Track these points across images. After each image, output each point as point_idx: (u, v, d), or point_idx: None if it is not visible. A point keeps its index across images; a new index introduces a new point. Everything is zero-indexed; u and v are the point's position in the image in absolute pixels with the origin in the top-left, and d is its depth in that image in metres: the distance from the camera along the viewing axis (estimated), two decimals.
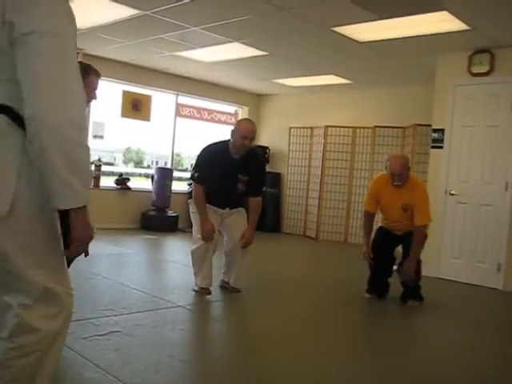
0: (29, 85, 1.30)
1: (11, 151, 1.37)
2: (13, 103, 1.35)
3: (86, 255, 1.52)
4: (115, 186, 8.13)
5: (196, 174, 4.10)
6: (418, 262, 4.40)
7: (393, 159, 4.31)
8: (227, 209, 4.24)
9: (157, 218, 8.04)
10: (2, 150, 1.36)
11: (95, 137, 7.84)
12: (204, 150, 4.22)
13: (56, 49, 1.32)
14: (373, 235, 4.59)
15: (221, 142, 4.25)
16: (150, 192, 8.24)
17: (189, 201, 4.35)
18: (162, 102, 8.73)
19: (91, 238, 1.49)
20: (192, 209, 4.24)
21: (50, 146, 1.31)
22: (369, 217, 4.55)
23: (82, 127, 1.38)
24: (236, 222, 4.27)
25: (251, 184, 4.19)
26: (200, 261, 4.14)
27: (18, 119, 1.36)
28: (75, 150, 1.35)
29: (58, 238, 1.52)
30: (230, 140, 4.13)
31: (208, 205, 4.12)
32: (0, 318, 1.44)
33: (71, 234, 1.43)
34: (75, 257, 1.53)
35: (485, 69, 5.59)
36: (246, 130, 4.04)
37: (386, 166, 4.32)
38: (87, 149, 1.40)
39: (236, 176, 4.11)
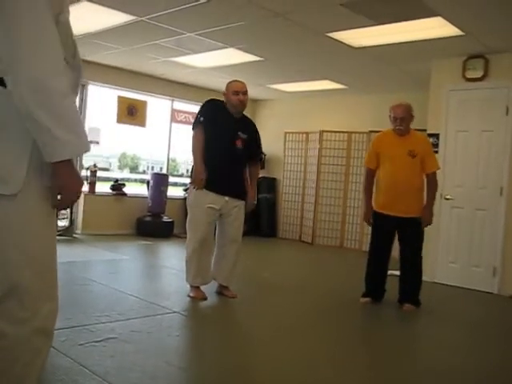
0: (3, 39, 1.25)
1: (25, 132, 1.33)
2: None
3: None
4: (111, 191, 8.11)
5: (201, 118, 4.09)
6: (419, 269, 4.39)
7: (396, 105, 4.38)
8: (226, 198, 4.11)
9: (152, 224, 8.02)
10: (16, 132, 1.33)
11: (91, 142, 7.80)
12: (208, 101, 4.25)
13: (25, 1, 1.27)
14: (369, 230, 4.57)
15: (222, 100, 4.27)
16: (146, 198, 8.22)
17: (189, 185, 4.28)
18: (158, 107, 8.74)
19: (80, 192, 1.43)
20: (190, 197, 4.18)
21: (31, 98, 1.25)
22: (370, 175, 4.48)
23: (61, 74, 1.31)
24: (235, 221, 4.22)
25: (249, 147, 4.20)
26: (190, 256, 4.13)
27: None
28: (57, 99, 1.28)
29: (54, 233, 1.47)
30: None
31: (206, 191, 4.06)
32: None
33: (59, 186, 1.37)
34: (60, 209, 1.46)
35: (479, 74, 5.62)
36: (235, 87, 4.12)
37: (389, 113, 4.37)
38: (69, 95, 1.33)
39: (236, 132, 4.13)
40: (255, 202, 4.41)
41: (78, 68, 1.52)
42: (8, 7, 1.25)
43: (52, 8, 1.32)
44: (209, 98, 4.30)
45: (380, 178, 4.44)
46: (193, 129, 4.19)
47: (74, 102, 1.36)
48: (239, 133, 4.14)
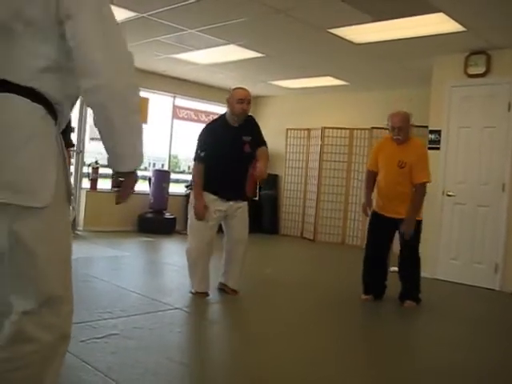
0: (86, 56, 1.32)
1: (50, 144, 1.37)
2: (48, 91, 1.36)
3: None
4: (112, 188, 8.10)
5: (202, 154, 4.08)
6: (417, 264, 4.42)
7: (394, 114, 4.35)
8: (231, 202, 4.13)
9: (154, 221, 8.03)
10: (42, 144, 1.35)
11: (92, 139, 7.84)
12: (204, 129, 4.25)
13: (101, 18, 1.36)
14: (366, 228, 4.58)
15: (217, 117, 4.31)
16: (147, 194, 8.23)
17: (191, 192, 4.27)
18: (159, 104, 8.74)
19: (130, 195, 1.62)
20: (192, 201, 4.17)
21: (119, 110, 1.35)
22: (371, 177, 4.53)
23: (139, 90, 1.45)
24: (240, 222, 4.21)
25: (255, 142, 4.21)
26: (193, 263, 4.12)
27: (51, 109, 1.37)
28: (137, 113, 1.41)
29: (71, 235, 1.52)
30: (225, 113, 4.19)
31: (210, 195, 4.07)
32: None
33: (124, 188, 1.55)
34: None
35: (481, 70, 5.61)
36: (240, 94, 4.10)
37: (387, 123, 4.35)
38: (140, 111, 1.45)
39: (241, 139, 4.13)
40: (265, 173, 4.14)
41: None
42: (83, 28, 1.34)
43: None
44: (205, 125, 4.31)
45: (378, 182, 4.49)
46: (194, 159, 4.18)
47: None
48: (244, 138, 4.14)
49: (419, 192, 4.29)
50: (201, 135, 4.21)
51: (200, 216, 4.04)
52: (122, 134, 1.39)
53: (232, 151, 4.09)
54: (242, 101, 4.07)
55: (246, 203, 4.26)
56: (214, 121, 4.33)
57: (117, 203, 1.61)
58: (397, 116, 4.30)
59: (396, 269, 4.62)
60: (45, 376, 1.41)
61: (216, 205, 4.09)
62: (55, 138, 1.40)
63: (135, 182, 1.57)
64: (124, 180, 1.53)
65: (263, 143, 4.29)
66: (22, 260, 1.35)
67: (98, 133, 1.41)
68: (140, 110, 1.45)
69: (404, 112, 4.37)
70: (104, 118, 1.37)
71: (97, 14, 1.35)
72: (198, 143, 4.18)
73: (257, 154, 4.22)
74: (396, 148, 4.33)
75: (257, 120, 4.49)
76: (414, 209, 4.27)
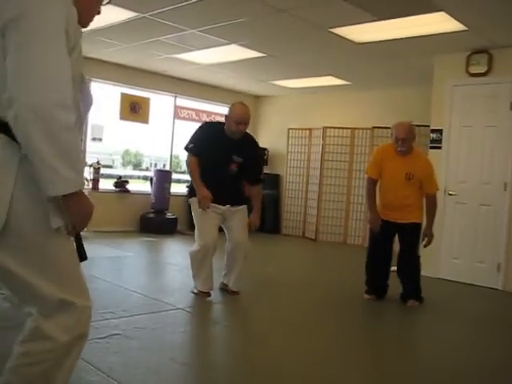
0: (12, 69, 1.27)
1: (4, 168, 1.33)
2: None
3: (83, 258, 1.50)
4: (114, 188, 8.12)
5: (190, 146, 4.12)
6: (418, 264, 4.43)
7: (398, 125, 4.32)
8: (227, 206, 4.14)
9: (156, 221, 8.03)
10: None
11: (94, 139, 7.85)
12: (202, 125, 4.30)
13: (38, 31, 1.28)
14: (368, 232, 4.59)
15: (218, 122, 4.31)
16: (149, 194, 8.23)
17: (189, 200, 4.26)
18: (161, 104, 8.74)
19: (86, 224, 1.43)
20: (194, 208, 4.16)
21: (35, 128, 1.24)
22: (372, 184, 4.48)
23: (69, 108, 1.29)
24: (238, 223, 4.21)
25: (247, 169, 4.19)
26: (199, 264, 4.12)
27: (10, 132, 1.31)
28: (62, 133, 1.27)
29: (70, 248, 1.50)
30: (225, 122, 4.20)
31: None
32: (22, 324, 1.45)
33: (69, 215, 1.38)
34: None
35: (482, 69, 5.60)
36: (238, 116, 4.06)
37: (392, 132, 4.33)
38: (75, 131, 1.32)
39: (230, 156, 4.11)
40: (258, 224, 4.30)
41: (85, 103, 1.52)
42: (23, 41, 1.27)
43: (66, 43, 1.34)
44: (205, 122, 4.35)
45: (379, 189, 4.48)
46: (185, 149, 4.22)
47: (78, 138, 1.36)
48: (234, 157, 4.11)
49: (433, 202, 4.42)
50: (196, 130, 4.24)
51: (205, 204, 3.99)
52: (44, 155, 1.25)
53: (218, 163, 4.09)
54: (238, 122, 4.05)
55: (244, 206, 4.27)
56: (214, 123, 4.32)
57: (67, 233, 1.43)
58: (401, 127, 4.27)
59: (395, 268, 4.63)
60: (56, 375, 1.46)
61: (212, 205, 4.09)
62: (19, 163, 1.34)
63: (83, 208, 1.38)
64: (66, 206, 1.35)
65: (258, 180, 4.33)
66: (11, 281, 1.41)
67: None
68: (71, 128, 1.29)
69: (408, 123, 4.36)
70: (22, 134, 1.27)
71: (30, 25, 1.28)
72: (192, 136, 4.21)
73: (251, 195, 4.29)
74: (401, 160, 4.32)
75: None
76: (433, 218, 4.43)
